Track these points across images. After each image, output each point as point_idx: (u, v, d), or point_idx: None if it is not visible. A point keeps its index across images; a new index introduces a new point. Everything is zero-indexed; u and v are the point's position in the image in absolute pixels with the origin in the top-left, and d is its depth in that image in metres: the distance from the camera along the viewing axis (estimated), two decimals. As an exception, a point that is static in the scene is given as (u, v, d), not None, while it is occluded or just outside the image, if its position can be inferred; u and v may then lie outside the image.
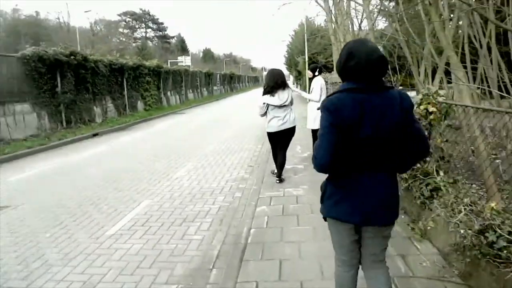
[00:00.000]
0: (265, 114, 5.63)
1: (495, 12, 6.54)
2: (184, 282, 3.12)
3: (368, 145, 1.77)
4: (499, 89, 6.20)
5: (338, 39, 15.84)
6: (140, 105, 19.31)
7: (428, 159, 3.94)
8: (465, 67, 6.37)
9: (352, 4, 13.25)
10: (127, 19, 79.22)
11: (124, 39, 72.57)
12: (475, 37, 6.66)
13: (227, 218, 4.55)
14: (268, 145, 8.74)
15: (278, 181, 5.65)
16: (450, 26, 6.41)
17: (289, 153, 6.18)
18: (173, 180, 6.41)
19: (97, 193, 5.80)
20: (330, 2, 15.86)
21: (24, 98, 11.27)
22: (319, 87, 6.58)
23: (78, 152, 9.65)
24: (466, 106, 3.84)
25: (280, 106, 5.54)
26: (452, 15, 6.83)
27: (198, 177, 6.59)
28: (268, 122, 5.65)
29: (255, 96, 37.14)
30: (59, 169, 7.67)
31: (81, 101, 13.83)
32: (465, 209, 3.06)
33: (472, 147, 4.95)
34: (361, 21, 15.64)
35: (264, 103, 5.58)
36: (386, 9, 10.47)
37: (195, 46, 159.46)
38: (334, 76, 13.98)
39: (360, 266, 2.10)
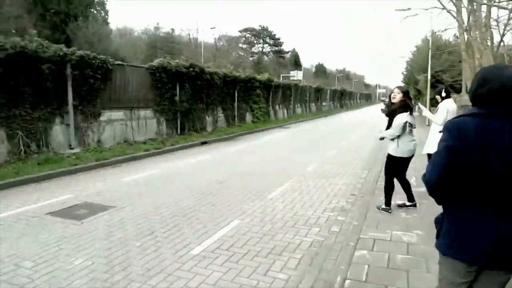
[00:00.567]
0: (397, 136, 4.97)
1: None
2: (258, 335, 2.65)
3: (497, 178, 1.63)
4: None
5: (471, 55, 13.70)
6: (248, 116, 19.88)
7: None
8: None
9: (494, 13, 11.25)
10: (247, 35, 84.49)
11: (242, 54, 77.51)
12: None
13: (319, 258, 3.95)
14: (375, 173, 7.83)
15: (390, 211, 5.10)
16: None
17: (399, 186, 5.28)
18: (267, 201, 6.07)
19: (192, 204, 5.80)
20: (464, 12, 13.82)
21: (148, 104, 12.51)
22: (445, 110, 5.54)
23: (185, 158, 10.15)
24: None
25: (414, 127, 5.00)
26: None
27: (294, 201, 6.11)
28: (398, 146, 4.98)
29: (366, 115, 35.26)
30: (164, 175, 8.08)
31: (196, 110, 14.78)
32: None
33: None
34: (504, 34, 13.26)
35: (406, 122, 4.90)
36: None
37: (308, 61, 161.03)
38: (464, 98, 12.06)
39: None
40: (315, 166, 9.09)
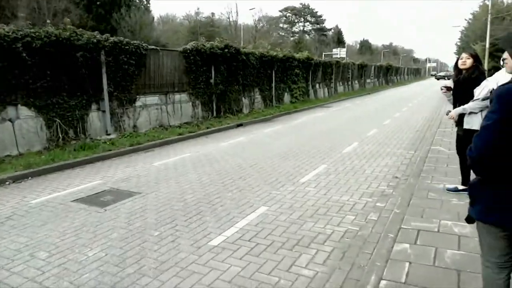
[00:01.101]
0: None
1: None
2: None
3: None
4: None
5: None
6: (286, 97, 19.24)
7: None
8: None
9: None
10: (288, 14, 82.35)
11: (283, 34, 75.83)
12: None
13: (351, 251, 3.46)
14: (422, 153, 7.04)
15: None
16: None
17: (451, 167, 4.57)
18: (298, 185, 5.61)
19: (218, 190, 5.50)
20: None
21: (182, 88, 12.37)
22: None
23: (218, 141, 9.90)
24: None
25: None
26: None
27: (328, 184, 5.59)
28: (474, 116, 4.21)
29: (414, 91, 32.98)
30: (195, 158, 7.87)
31: (231, 92, 14.44)
32: None
33: None
34: None
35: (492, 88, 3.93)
36: None
37: (352, 38, 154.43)
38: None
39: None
40: (354, 147, 8.42)
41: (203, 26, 59.08)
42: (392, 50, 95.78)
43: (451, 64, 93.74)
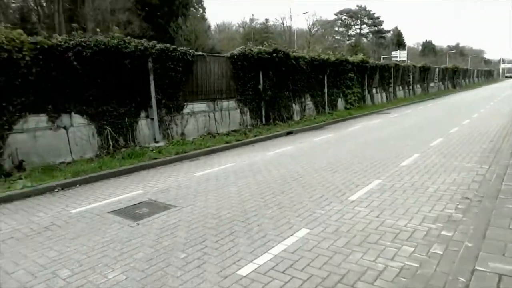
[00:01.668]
0: None
1: None
2: None
3: None
4: None
5: None
6: (340, 103, 18.33)
7: None
8: None
9: None
10: (343, 17, 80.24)
11: (339, 38, 73.94)
12: None
13: (408, 297, 2.80)
14: (499, 169, 5.97)
15: None
16: None
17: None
18: (347, 204, 4.96)
19: (257, 206, 5.05)
20: None
21: (231, 95, 12.18)
22: None
23: (266, 150, 9.48)
24: None
25: None
26: None
27: (382, 204, 4.88)
28: None
29: (487, 94, 29.91)
30: (239, 169, 7.51)
31: (281, 98, 14.00)
32: None
33: None
34: None
35: None
36: None
37: (413, 40, 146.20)
38: None
39: None
40: (415, 159, 7.50)
41: (257, 32, 59.55)
42: (458, 51, 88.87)
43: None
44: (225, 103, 12.02)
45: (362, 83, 20.13)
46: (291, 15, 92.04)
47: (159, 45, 9.68)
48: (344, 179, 6.24)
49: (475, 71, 59.69)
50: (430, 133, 10.98)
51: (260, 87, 12.95)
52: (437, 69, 36.06)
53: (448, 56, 71.71)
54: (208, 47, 35.21)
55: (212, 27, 51.45)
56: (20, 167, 7.39)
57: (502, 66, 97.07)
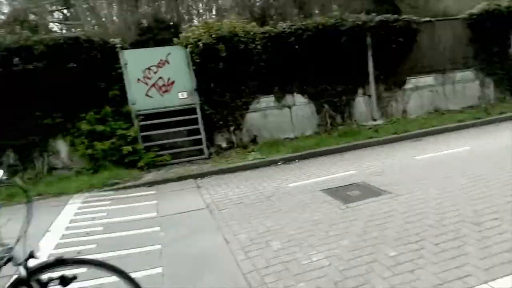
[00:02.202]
0: None
1: None
2: None
3: None
4: None
5: None
6: None
7: None
8: None
9: None
10: None
11: None
12: None
13: None
14: None
15: None
16: None
17: None
18: None
19: (496, 208, 3.90)
20: None
21: (466, 64, 10.08)
22: None
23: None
24: None
25: None
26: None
27: None
28: None
29: None
30: (473, 155, 6.11)
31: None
32: None
33: None
34: None
35: None
36: None
37: None
38: None
39: None
40: None
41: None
42: None
43: None
44: (458, 75, 10.08)
45: None
46: None
47: (378, 17, 8.97)
48: None
49: None
50: None
51: (511, 51, 10.08)
52: None
53: None
54: (439, 11, 30.47)
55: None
56: (254, 141, 8.63)
57: None
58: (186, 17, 14.44)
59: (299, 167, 6.75)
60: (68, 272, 2.05)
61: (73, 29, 14.58)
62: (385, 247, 3.30)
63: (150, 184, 6.54)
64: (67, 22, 16.03)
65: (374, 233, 3.61)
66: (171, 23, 13.04)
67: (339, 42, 8.59)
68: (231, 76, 8.04)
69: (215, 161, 7.64)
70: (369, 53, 8.95)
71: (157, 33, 12.08)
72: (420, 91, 9.80)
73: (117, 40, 7.70)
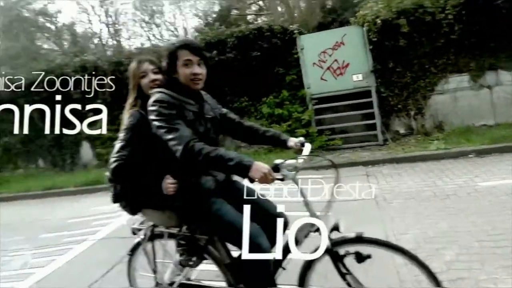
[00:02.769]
0: None
1: None
2: None
3: None
4: None
5: None
6: None
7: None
8: None
9: None
10: None
11: None
12: None
13: None
14: None
15: None
16: None
17: None
18: None
19: None
20: None
21: None
22: None
23: None
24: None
25: None
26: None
27: None
28: None
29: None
30: None
31: None
32: None
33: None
34: None
35: None
36: None
37: None
38: None
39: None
40: None
41: None
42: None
43: None
44: None
45: None
46: None
47: None
48: None
49: None
50: None
51: None
52: None
53: None
54: None
55: None
56: (439, 127, 7.56)
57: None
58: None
59: (496, 162, 5.50)
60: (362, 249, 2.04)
61: (264, 19, 15.98)
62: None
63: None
64: (261, 13, 17.70)
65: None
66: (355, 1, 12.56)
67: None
68: (414, 53, 7.19)
69: (390, 148, 7.11)
70: None
71: (341, 13, 11.88)
72: None
73: (295, 26, 8.01)
